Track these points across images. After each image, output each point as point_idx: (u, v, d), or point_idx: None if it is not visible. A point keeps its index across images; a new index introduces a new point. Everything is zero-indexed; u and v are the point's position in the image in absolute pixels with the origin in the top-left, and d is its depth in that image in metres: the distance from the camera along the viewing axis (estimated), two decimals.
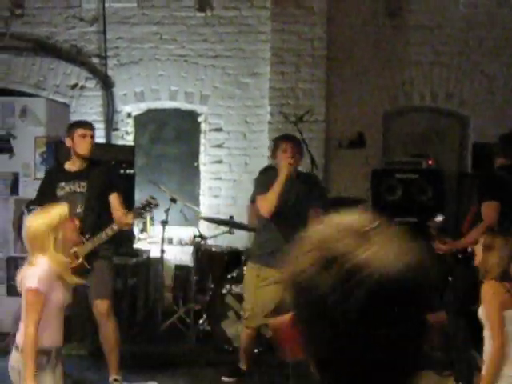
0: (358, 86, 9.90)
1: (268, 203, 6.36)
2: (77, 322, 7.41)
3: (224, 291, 7.79)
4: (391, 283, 1.23)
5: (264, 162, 9.23)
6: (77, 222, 5.49)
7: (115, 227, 6.28)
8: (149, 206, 6.47)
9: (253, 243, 7.11)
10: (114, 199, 6.49)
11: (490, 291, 4.92)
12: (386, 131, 10.09)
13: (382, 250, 1.27)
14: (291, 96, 9.59)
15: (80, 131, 6.54)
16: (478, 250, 5.15)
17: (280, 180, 6.34)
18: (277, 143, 6.67)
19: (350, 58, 9.93)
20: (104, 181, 6.54)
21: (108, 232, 6.29)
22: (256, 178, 7.48)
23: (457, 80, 9.94)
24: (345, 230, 1.32)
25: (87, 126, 6.69)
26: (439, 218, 7.16)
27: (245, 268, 7.12)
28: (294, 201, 6.47)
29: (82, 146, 6.53)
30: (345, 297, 1.22)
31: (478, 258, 5.11)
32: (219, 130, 9.94)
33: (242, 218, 8.89)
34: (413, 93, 9.99)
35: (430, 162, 9.34)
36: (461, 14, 9.94)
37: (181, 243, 9.83)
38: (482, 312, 4.99)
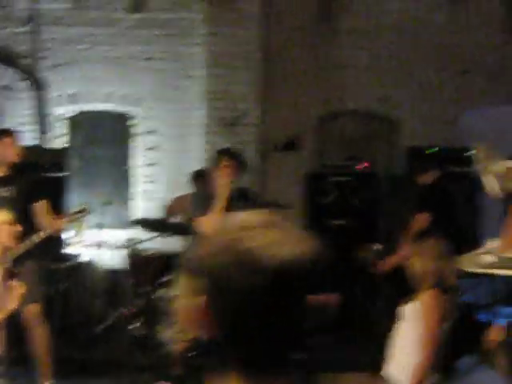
0: (292, 90, 9.95)
1: (209, 224, 6.27)
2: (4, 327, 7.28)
3: (159, 295, 7.74)
4: (289, 266, 1.44)
5: (199, 165, 9.20)
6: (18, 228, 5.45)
7: (47, 231, 6.21)
8: (81, 212, 6.45)
9: (185, 254, 6.97)
10: (41, 206, 6.44)
11: (430, 301, 4.89)
12: (321, 134, 10.17)
13: (277, 239, 1.47)
14: (226, 99, 9.59)
15: (5, 139, 6.50)
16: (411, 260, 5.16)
17: (219, 202, 6.27)
18: (218, 157, 6.55)
19: (285, 62, 9.98)
20: (31, 187, 6.51)
21: (40, 235, 6.22)
22: (193, 194, 7.31)
23: (390, 84, 10.08)
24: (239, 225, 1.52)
25: (11, 133, 6.68)
26: (377, 247, 7.33)
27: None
28: None
29: (9, 154, 6.50)
30: (247, 276, 1.42)
31: (411, 268, 5.11)
32: (153, 132, 9.89)
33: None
34: (347, 97, 10.09)
35: (363, 165, 9.45)
36: (393, 19, 10.07)
37: (114, 246, 9.73)
38: (408, 309, 4.99)
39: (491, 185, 3.93)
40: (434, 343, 4.81)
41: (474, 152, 3.98)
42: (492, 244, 3.87)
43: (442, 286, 4.91)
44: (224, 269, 1.44)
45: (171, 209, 8.89)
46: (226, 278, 1.43)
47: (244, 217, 1.55)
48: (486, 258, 3.91)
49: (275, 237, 1.46)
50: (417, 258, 5.07)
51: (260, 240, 1.44)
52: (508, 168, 3.93)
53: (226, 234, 1.50)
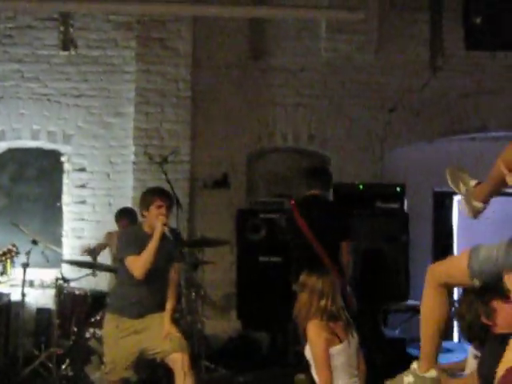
0: (222, 127, 10.01)
1: (142, 266, 6.09)
2: None
3: (87, 335, 7.64)
4: None
5: (128, 203, 9.16)
6: None
7: None
8: (9, 253, 6.34)
9: (112, 293, 6.84)
10: None
11: (313, 330, 5.01)
12: (250, 171, 10.23)
13: None
14: (156, 136, 9.60)
15: None
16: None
17: (154, 242, 6.15)
18: (151, 197, 6.32)
19: (215, 100, 10.04)
20: None
21: None
22: (122, 233, 7.18)
23: (318, 121, 10.21)
24: None
25: None
26: None
27: None
28: (162, 259, 6.30)
29: None
30: None
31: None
32: (83, 170, 9.81)
33: (106, 259, 8.76)
34: (276, 134, 10.18)
35: (292, 202, 9.50)
36: (322, 58, 10.23)
37: (42, 286, 9.58)
38: (308, 352, 5.07)
39: (462, 207, 3.80)
40: (326, 368, 4.90)
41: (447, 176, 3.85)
42: (415, 363, 3.92)
43: (329, 318, 5.03)
44: None
45: (101, 245, 8.82)
46: None
47: None
48: (406, 379, 3.95)
49: None
50: (299, 291, 5.20)
51: None
52: (471, 188, 3.80)
53: None
